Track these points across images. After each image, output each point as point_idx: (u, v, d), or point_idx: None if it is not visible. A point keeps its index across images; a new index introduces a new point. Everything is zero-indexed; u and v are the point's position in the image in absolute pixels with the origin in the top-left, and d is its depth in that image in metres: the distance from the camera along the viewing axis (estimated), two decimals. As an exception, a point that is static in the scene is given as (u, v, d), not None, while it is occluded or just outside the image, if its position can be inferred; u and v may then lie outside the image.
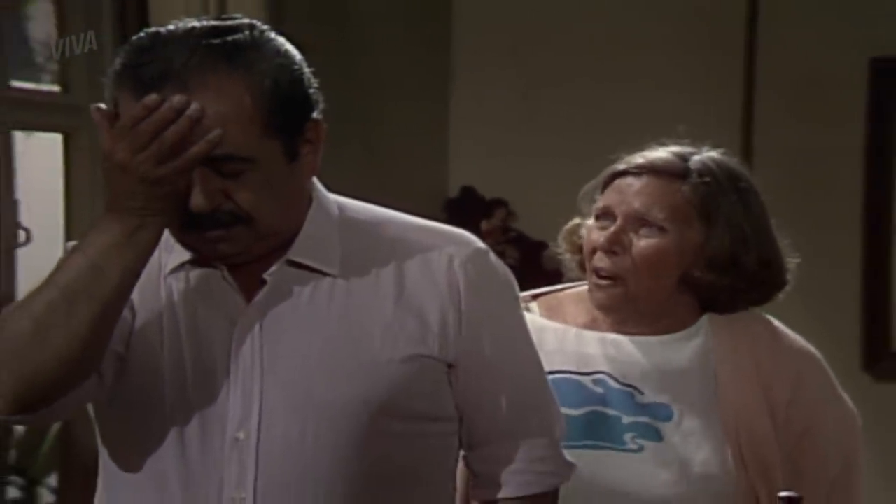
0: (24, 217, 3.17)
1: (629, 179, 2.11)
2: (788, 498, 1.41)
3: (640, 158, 2.11)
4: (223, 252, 1.69)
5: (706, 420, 2.07)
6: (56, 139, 3.35)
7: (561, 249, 2.19)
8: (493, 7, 3.92)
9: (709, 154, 2.13)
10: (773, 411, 2.07)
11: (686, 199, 2.10)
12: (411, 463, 1.76)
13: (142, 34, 1.68)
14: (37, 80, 3.44)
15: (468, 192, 3.92)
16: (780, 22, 3.72)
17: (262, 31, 1.69)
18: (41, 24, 3.38)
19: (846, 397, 2.13)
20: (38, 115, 3.30)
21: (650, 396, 2.08)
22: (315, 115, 1.71)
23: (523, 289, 2.23)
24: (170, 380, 1.72)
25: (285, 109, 1.66)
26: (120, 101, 1.63)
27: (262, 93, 1.64)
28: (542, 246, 3.67)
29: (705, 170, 2.11)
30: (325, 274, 1.72)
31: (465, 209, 3.88)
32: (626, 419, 2.08)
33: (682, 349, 2.11)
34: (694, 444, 2.06)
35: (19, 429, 3.26)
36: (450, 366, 1.74)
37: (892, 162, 3.67)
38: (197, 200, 1.64)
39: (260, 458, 1.70)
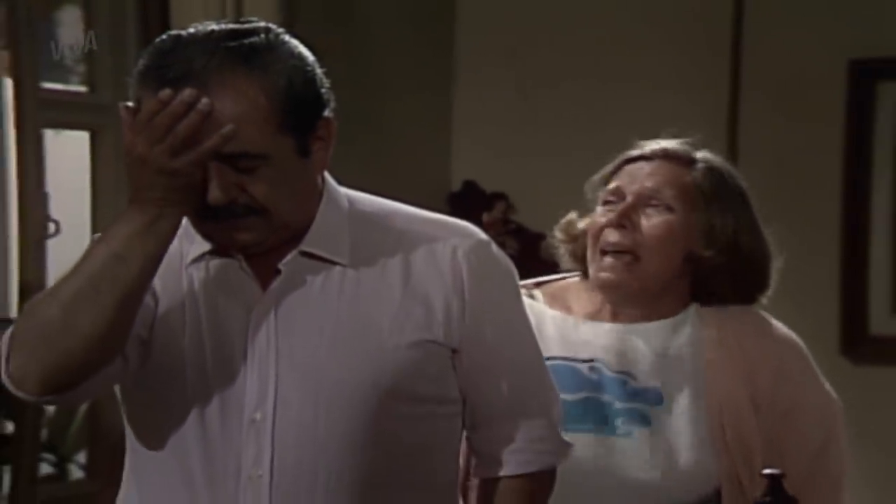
0: (54, 209, 3.19)
1: (640, 164, 2.12)
2: (771, 475, 1.41)
3: (652, 145, 2.12)
4: (239, 242, 1.70)
5: (693, 405, 2.09)
6: (83, 137, 3.36)
7: (556, 240, 2.19)
8: (493, 12, 3.92)
9: (699, 148, 2.14)
10: (757, 396, 2.08)
11: (695, 183, 2.11)
12: (418, 443, 1.76)
13: (164, 37, 1.70)
14: (66, 81, 3.45)
15: (470, 186, 3.92)
16: (764, 25, 3.72)
17: (278, 34, 1.69)
18: (70, 30, 3.38)
19: (827, 384, 2.14)
20: (66, 114, 3.31)
21: (642, 382, 2.09)
22: (327, 113, 1.71)
23: (522, 277, 2.24)
24: (191, 364, 1.72)
25: (298, 109, 1.66)
26: (143, 100, 1.64)
27: (276, 93, 1.64)
28: (540, 237, 3.67)
29: (712, 160, 2.13)
30: (335, 264, 1.73)
31: (467, 202, 3.88)
32: (618, 405, 2.08)
33: (672, 336, 2.12)
34: (681, 428, 2.08)
35: (50, 409, 3.27)
36: (454, 351, 1.75)
37: (870, 158, 3.67)
38: (214, 194, 1.64)
39: (276, 438, 1.71)
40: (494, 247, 1.79)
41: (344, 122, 3.98)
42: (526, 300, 2.15)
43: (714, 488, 2.06)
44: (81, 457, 3.30)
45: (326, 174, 1.76)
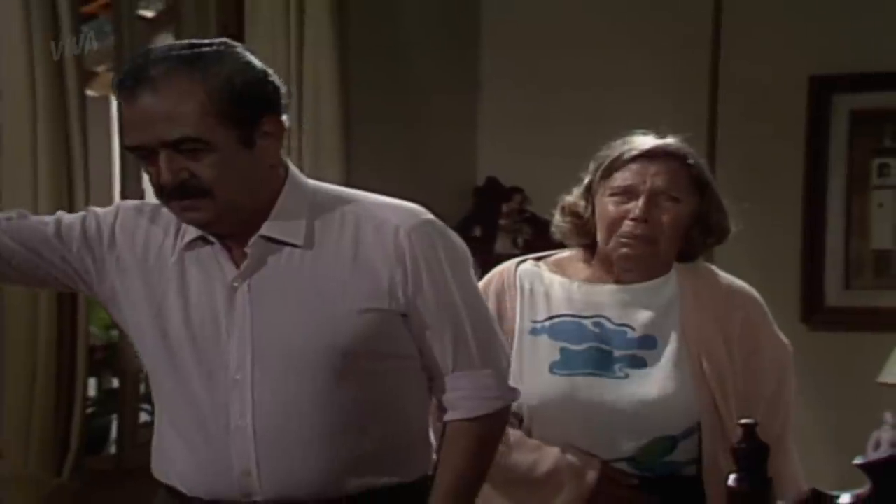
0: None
1: (644, 162, 2.08)
2: (746, 424, 1.40)
3: (648, 144, 2.11)
4: (194, 219, 1.69)
5: (679, 348, 2.11)
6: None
7: (558, 217, 2.18)
8: (513, 32, 3.91)
9: (677, 140, 2.14)
10: (728, 338, 2.11)
11: (690, 176, 2.09)
12: (381, 394, 1.74)
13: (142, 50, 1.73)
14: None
15: (492, 181, 3.92)
16: (738, 46, 3.73)
17: (231, 47, 1.69)
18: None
19: (780, 333, 2.16)
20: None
21: (640, 331, 2.10)
22: (283, 116, 1.70)
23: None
24: (186, 334, 1.73)
25: (238, 105, 1.64)
26: (118, 101, 1.66)
27: (215, 90, 1.62)
28: (550, 224, 3.66)
29: (691, 152, 2.12)
30: (293, 245, 1.71)
31: (489, 195, 3.88)
32: (617, 353, 2.10)
33: (660, 292, 2.15)
34: (670, 369, 2.10)
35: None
36: (404, 315, 1.73)
37: (827, 158, 3.62)
38: (165, 177, 1.64)
39: (255, 394, 1.70)
40: (438, 225, 1.76)
41: (383, 124, 3.97)
42: (533, 269, 2.16)
43: (696, 421, 2.06)
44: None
45: (293, 167, 1.76)
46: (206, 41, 1.69)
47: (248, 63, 1.68)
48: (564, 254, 2.20)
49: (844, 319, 3.58)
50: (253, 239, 1.71)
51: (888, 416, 3.22)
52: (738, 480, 1.36)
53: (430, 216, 1.77)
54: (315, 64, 3.16)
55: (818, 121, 3.62)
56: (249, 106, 1.66)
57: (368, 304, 1.70)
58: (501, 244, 3.82)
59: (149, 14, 3.38)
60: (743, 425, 1.39)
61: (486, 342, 1.78)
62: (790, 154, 3.65)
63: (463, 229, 3.86)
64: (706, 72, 3.72)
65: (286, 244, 1.71)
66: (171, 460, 1.78)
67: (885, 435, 3.18)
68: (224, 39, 1.71)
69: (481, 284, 2.16)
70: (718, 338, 2.09)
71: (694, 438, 2.07)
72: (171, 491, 1.79)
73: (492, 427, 1.79)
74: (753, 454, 1.36)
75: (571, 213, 2.17)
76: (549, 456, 2.02)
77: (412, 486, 1.76)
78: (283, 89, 1.71)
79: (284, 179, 1.73)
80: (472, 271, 1.81)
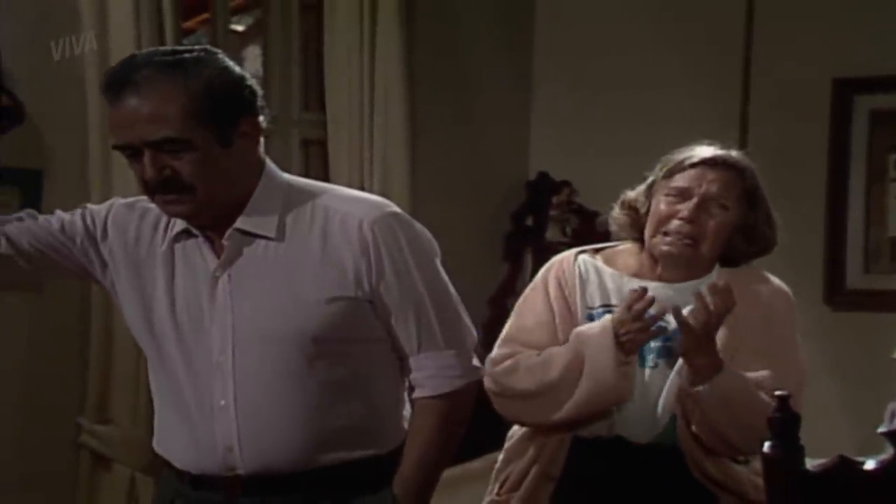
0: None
1: (704, 169, 2.05)
2: (780, 396, 1.36)
3: (709, 153, 2.07)
4: (176, 212, 1.66)
5: None
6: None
7: (617, 210, 2.16)
8: (564, 35, 3.90)
9: (738, 153, 2.10)
10: (750, 331, 2.07)
11: (744, 188, 2.06)
12: (353, 373, 1.71)
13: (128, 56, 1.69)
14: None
15: (543, 176, 3.90)
16: (768, 53, 3.70)
17: (211, 53, 1.64)
18: (252, 62, 3.41)
19: (800, 340, 2.10)
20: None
21: (675, 325, 2.06)
22: (260, 118, 1.65)
23: (581, 244, 2.22)
24: (174, 321, 1.71)
25: (217, 106, 1.59)
26: (106, 100, 1.62)
27: (195, 93, 1.58)
28: (596, 214, 3.66)
29: (750, 166, 2.08)
30: (265, 238, 1.68)
31: (540, 188, 3.87)
32: (652, 344, 2.07)
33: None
34: None
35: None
36: (371, 302, 1.69)
37: (848, 153, 3.59)
38: (149, 174, 1.61)
39: (235, 376, 1.67)
40: (401, 217, 1.71)
41: (445, 122, 3.96)
42: (589, 260, 2.14)
43: None
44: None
45: (269, 164, 1.71)
46: (187, 47, 1.65)
47: (226, 68, 1.63)
48: (618, 247, 2.18)
49: (864, 301, 3.54)
50: (229, 232, 1.68)
51: (903, 389, 3.16)
52: (771, 447, 1.34)
53: (395, 209, 1.72)
54: (385, 68, 3.20)
55: (840, 119, 3.59)
56: (228, 108, 1.61)
57: (336, 293, 1.66)
58: (551, 233, 3.81)
59: (240, 28, 3.41)
60: (777, 397, 1.37)
61: (449, 325, 1.73)
62: (815, 149, 3.61)
63: (516, 219, 3.86)
64: (739, 74, 3.69)
65: (260, 237, 1.68)
66: (165, 438, 1.77)
67: (900, 406, 3.12)
68: (205, 46, 1.66)
69: (542, 270, 2.17)
70: (740, 335, 2.04)
71: None
72: (169, 465, 1.78)
73: (455, 403, 1.74)
74: (786, 423, 1.33)
75: (629, 207, 2.13)
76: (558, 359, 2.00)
77: (384, 458, 1.73)
78: (260, 93, 1.67)
79: (260, 175, 1.69)
80: (436, 259, 1.75)
